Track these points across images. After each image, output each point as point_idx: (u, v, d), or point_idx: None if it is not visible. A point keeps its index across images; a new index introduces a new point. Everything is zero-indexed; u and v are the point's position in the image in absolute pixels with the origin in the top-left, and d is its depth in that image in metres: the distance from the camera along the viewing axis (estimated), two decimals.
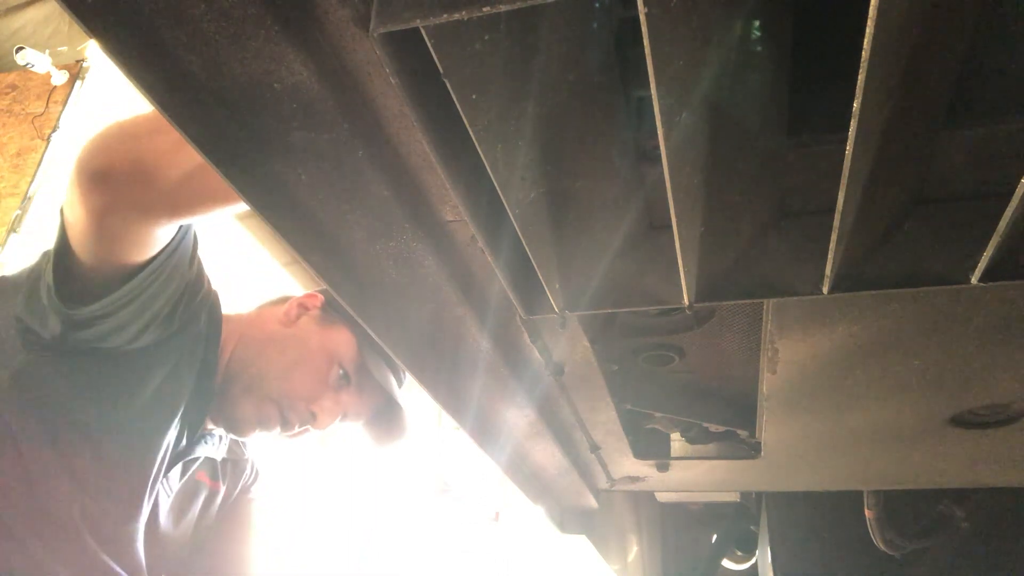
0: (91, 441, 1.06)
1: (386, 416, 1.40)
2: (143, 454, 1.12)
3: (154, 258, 1.00)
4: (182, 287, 1.08)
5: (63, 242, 0.97)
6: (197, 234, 1.11)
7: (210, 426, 1.29)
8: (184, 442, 1.20)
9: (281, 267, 4.29)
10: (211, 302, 1.22)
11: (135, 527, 1.12)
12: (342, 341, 1.28)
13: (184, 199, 0.91)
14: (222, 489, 1.38)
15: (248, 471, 1.47)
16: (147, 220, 0.93)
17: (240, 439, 1.31)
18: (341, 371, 1.27)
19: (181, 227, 1.02)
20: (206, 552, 1.36)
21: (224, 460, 1.39)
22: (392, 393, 1.32)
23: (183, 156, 0.85)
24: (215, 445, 1.32)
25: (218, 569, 1.37)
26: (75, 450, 1.05)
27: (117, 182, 0.89)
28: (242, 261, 3.90)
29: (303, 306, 1.33)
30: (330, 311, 1.33)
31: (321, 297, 1.36)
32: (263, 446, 1.49)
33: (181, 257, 1.05)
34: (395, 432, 1.41)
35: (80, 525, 1.04)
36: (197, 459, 1.29)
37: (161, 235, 0.98)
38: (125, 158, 0.89)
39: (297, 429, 1.28)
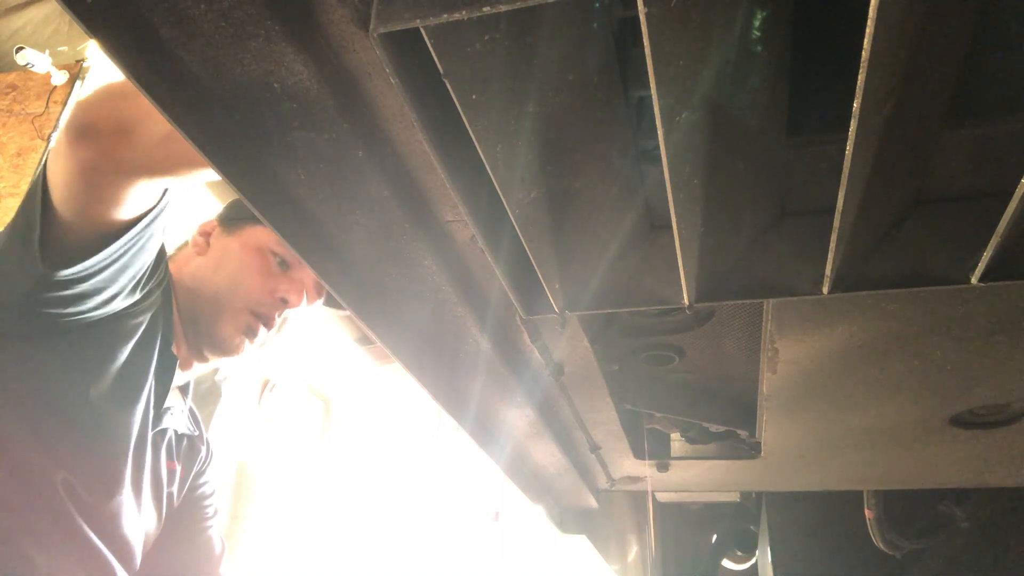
0: (64, 419, 1.07)
1: None
2: (118, 428, 1.14)
3: (137, 221, 1.02)
4: (155, 257, 1.11)
5: (45, 202, 0.98)
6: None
7: (169, 400, 1.31)
8: (153, 413, 1.22)
9: None
10: (167, 279, 1.26)
11: (119, 501, 1.14)
12: (258, 233, 1.33)
13: (163, 159, 0.94)
14: (178, 468, 1.38)
15: (204, 452, 1.48)
16: (128, 178, 0.96)
17: (236, 358, 1.33)
18: (277, 257, 1.32)
19: (163, 196, 1.04)
20: (169, 542, 1.37)
21: (180, 436, 1.39)
22: None
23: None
24: (176, 417, 1.35)
25: (178, 561, 1.39)
26: (49, 429, 1.06)
27: (101, 138, 0.92)
28: None
29: (204, 233, 1.38)
30: (228, 222, 1.37)
31: (214, 219, 1.40)
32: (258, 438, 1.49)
33: (159, 226, 1.07)
34: None
35: (65, 500, 1.05)
36: (165, 432, 1.31)
37: (141, 196, 1.00)
38: (111, 115, 0.92)
39: (278, 320, 1.33)
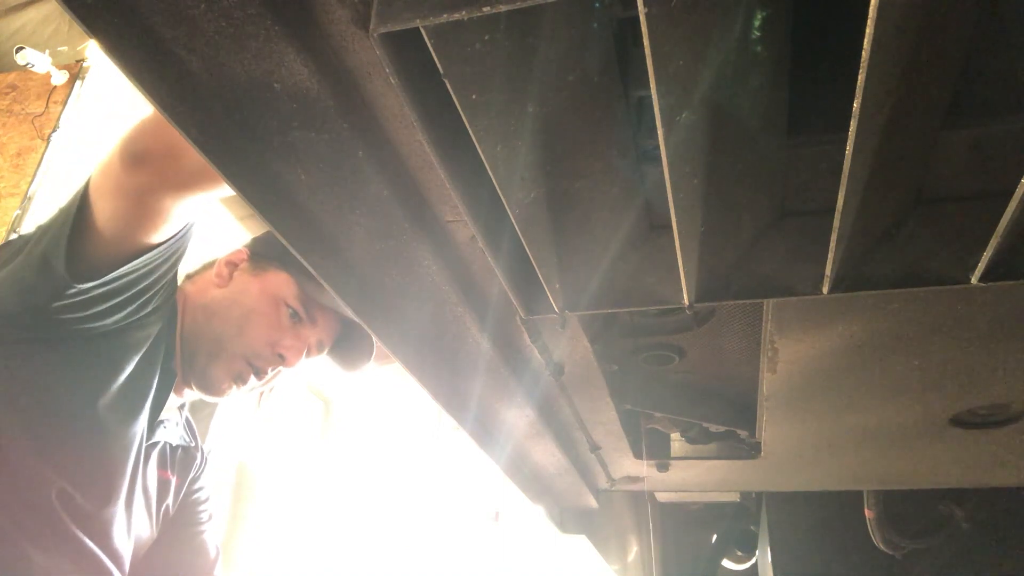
0: (67, 428, 1.08)
1: (348, 340, 1.42)
2: (119, 441, 1.15)
3: (167, 240, 1.06)
4: (171, 273, 1.13)
5: (81, 219, 1.01)
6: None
7: (164, 413, 1.31)
8: (147, 426, 1.22)
9: None
10: (175, 296, 1.27)
11: (112, 511, 1.14)
12: (280, 282, 1.33)
13: (210, 175, 0.98)
14: (172, 479, 1.39)
15: (198, 460, 1.48)
16: (178, 196, 1.01)
17: (219, 398, 1.34)
18: (290, 309, 1.31)
19: (189, 218, 1.08)
20: (158, 555, 1.37)
21: (175, 447, 1.39)
22: (346, 313, 1.35)
23: None
24: (170, 430, 1.35)
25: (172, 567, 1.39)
26: (51, 437, 1.07)
27: (155, 163, 0.97)
28: None
29: (231, 263, 1.36)
30: (258, 259, 1.36)
31: (246, 250, 1.39)
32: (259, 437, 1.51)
33: (184, 243, 1.11)
34: (360, 355, 1.43)
35: (58, 509, 1.06)
36: (156, 444, 1.31)
37: (184, 215, 1.05)
38: (161, 141, 0.96)
39: (271, 374, 1.32)
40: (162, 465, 1.36)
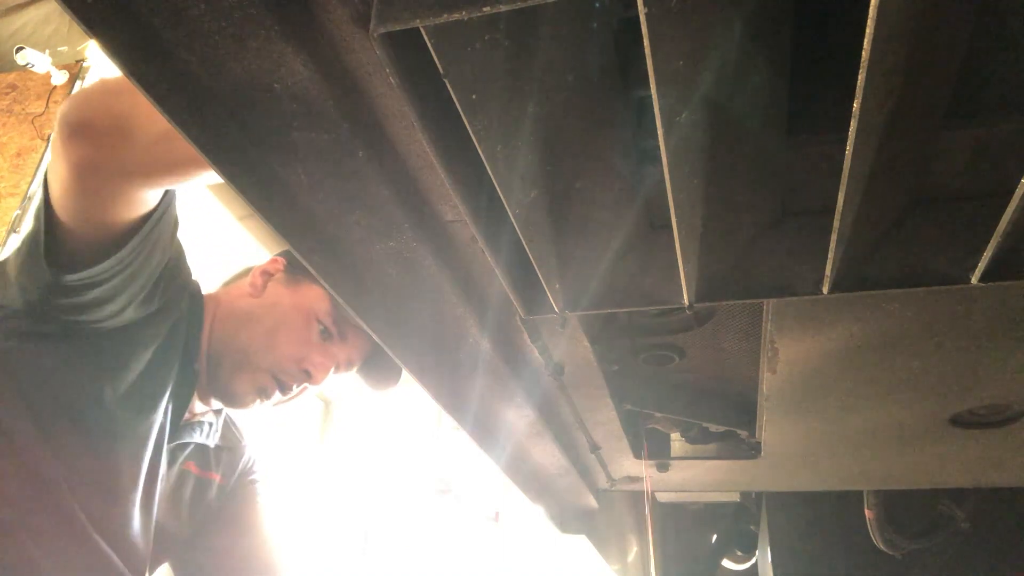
0: (78, 425, 1.06)
1: (378, 359, 1.40)
2: (132, 438, 1.13)
3: (140, 227, 0.99)
4: (163, 262, 1.08)
5: (48, 205, 0.95)
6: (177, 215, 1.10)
7: (199, 416, 1.29)
8: (169, 427, 1.20)
9: None
10: (193, 288, 1.24)
11: (125, 511, 1.13)
12: (314, 296, 1.29)
13: (161, 159, 0.89)
14: (216, 478, 1.38)
15: (246, 457, 1.48)
16: (125, 178, 0.92)
17: (242, 411, 1.31)
18: (321, 326, 1.28)
19: (164, 197, 1.00)
20: (212, 543, 1.37)
21: (218, 448, 1.38)
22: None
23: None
24: (206, 433, 1.33)
25: (226, 561, 1.38)
26: (62, 434, 1.05)
27: (96, 136, 0.87)
28: (244, 263, 3.90)
29: (267, 273, 1.33)
30: (293, 271, 1.33)
31: (282, 260, 1.35)
32: (259, 437, 1.51)
33: (164, 228, 1.04)
34: (390, 375, 1.41)
35: (72, 505, 1.05)
36: (188, 446, 1.29)
37: (141, 199, 0.96)
38: (106, 112, 0.88)
39: (296, 390, 1.29)
40: (204, 467, 1.35)
